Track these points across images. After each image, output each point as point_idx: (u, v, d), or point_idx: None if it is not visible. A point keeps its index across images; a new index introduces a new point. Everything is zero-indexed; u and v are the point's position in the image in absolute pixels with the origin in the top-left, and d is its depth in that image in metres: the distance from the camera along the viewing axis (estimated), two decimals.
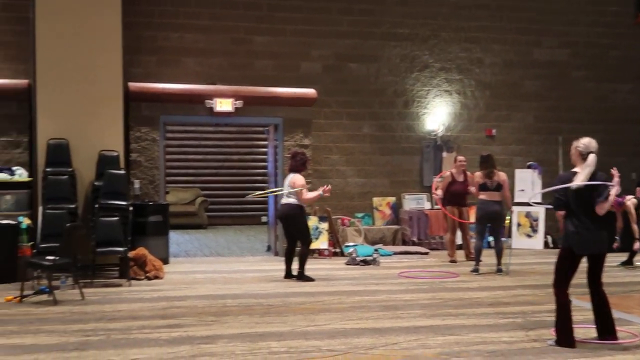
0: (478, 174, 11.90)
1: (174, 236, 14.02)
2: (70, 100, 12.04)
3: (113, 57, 12.27)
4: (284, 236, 11.65)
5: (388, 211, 15.14)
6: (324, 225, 13.81)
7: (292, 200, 11.01)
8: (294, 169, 11.22)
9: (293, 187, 11.03)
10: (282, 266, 11.39)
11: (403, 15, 15.35)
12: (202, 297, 9.67)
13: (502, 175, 11.83)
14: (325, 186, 11.34)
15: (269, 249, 14.79)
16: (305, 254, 11.09)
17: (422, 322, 8.10)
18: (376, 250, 13.52)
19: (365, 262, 12.77)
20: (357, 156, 15.11)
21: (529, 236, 15.09)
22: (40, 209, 11.63)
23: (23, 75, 13.06)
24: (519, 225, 15.14)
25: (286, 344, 7.14)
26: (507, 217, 12.02)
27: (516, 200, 14.64)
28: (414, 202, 15.12)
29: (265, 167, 19.75)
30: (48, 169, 11.73)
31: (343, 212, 14.74)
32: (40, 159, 11.96)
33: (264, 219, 19.89)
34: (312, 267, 11.92)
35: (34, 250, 11.01)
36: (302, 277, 10.96)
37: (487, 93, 15.91)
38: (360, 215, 14.92)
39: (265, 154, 19.53)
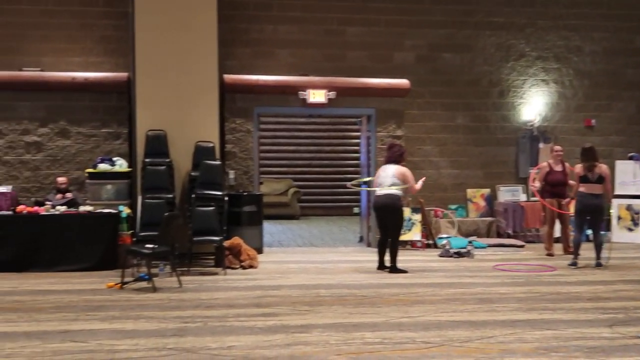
0: (579, 166, 11.58)
1: (267, 226, 14.18)
2: (168, 93, 12.30)
3: (209, 49, 12.47)
4: (377, 227, 11.60)
5: (482, 203, 14.89)
6: (417, 217, 13.70)
7: (394, 191, 10.93)
8: (392, 160, 11.15)
9: (401, 178, 10.95)
10: (375, 257, 11.37)
11: (498, 3, 15.04)
12: (296, 287, 9.74)
13: (603, 168, 11.47)
14: (422, 177, 11.30)
15: (361, 239, 14.79)
16: (397, 247, 11.02)
17: (519, 316, 7.95)
18: (470, 242, 13.33)
19: (459, 254, 12.61)
20: (450, 147, 14.92)
21: (630, 230, 14.58)
22: (139, 198, 11.95)
23: (123, 68, 13.43)
24: (619, 218, 14.65)
25: (380, 335, 7.12)
26: (611, 210, 11.64)
27: (616, 192, 14.17)
28: (509, 193, 14.82)
29: (357, 158, 19.77)
30: (147, 160, 12.03)
31: (436, 204, 14.58)
32: (139, 150, 12.27)
33: (355, 209, 19.94)
34: (405, 258, 11.86)
35: (134, 239, 11.31)
36: (394, 269, 10.90)
37: (586, 82, 15.43)
38: (453, 207, 14.73)
39: (357, 145, 19.54)
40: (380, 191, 11.02)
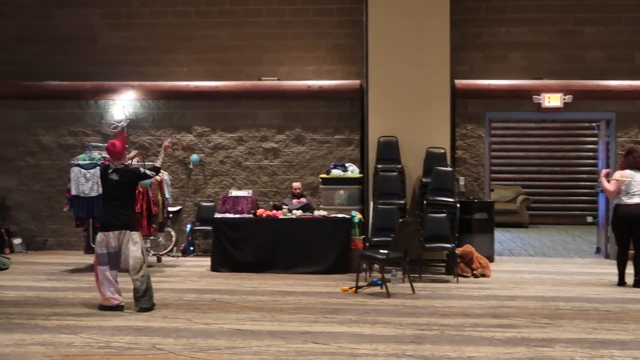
0: None
1: (496, 234, 13.81)
2: (400, 99, 12.37)
3: (441, 55, 12.40)
4: (616, 238, 10.82)
5: None
6: None
7: None
8: (631, 166, 10.44)
9: None
10: (614, 270, 10.67)
11: None
12: (532, 298, 9.40)
13: None
14: None
15: (598, 250, 14.01)
16: None
17: None
18: None
19: None
20: None
21: None
22: (370, 203, 12.10)
23: (354, 76, 13.70)
24: None
25: (630, 354, 6.71)
26: None
27: None
28: None
29: (591, 165, 18.85)
30: (378, 166, 12.16)
31: None
32: (371, 156, 12.45)
33: (589, 219, 18.99)
34: None
35: (366, 244, 11.46)
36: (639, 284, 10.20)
37: None
38: None
39: (592, 150, 18.62)
40: (629, 199, 10.28)
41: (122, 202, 8.67)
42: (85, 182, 11.32)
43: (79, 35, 14.21)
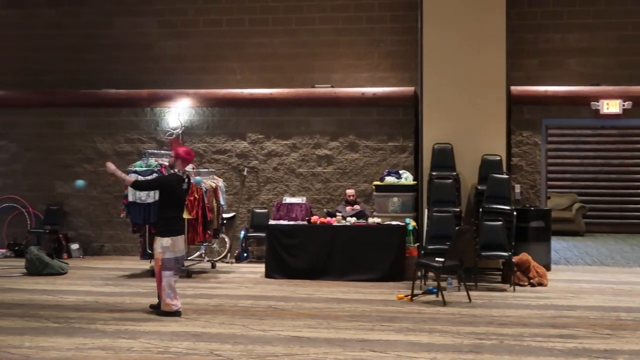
0: None
1: (552, 243, 13.61)
2: (454, 106, 12.28)
3: (497, 61, 12.27)
4: None
5: None
6: None
7: None
8: None
9: None
10: None
11: None
12: (592, 308, 9.23)
13: None
14: None
15: None
16: None
17: None
18: None
19: None
20: None
21: None
22: (425, 211, 12.02)
23: (408, 82, 13.64)
24: None
25: None
26: None
27: None
28: None
29: None
30: (433, 173, 12.07)
31: None
32: (425, 163, 12.36)
33: None
34: None
35: (421, 252, 11.37)
36: None
37: None
38: None
39: None
40: None
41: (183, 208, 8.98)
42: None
43: (135, 43, 14.42)
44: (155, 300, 8.98)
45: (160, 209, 8.95)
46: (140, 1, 14.48)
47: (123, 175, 9.07)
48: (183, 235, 9.06)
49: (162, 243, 8.70)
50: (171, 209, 8.84)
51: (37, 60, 14.66)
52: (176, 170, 8.92)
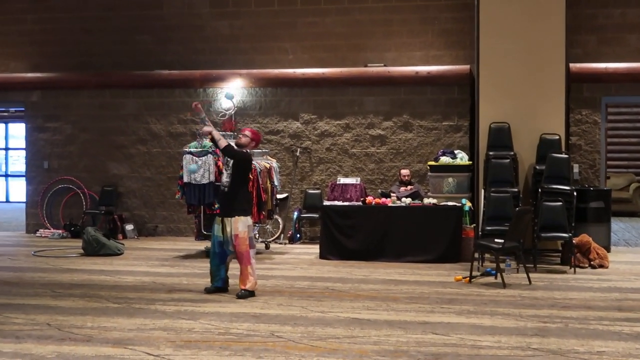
0: None
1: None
2: (512, 84, 12.02)
3: (555, 37, 11.96)
4: None
5: None
6: None
7: None
8: None
9: None
10: None
11: None
12: None
13: None
14: None
15: None
16: None
17: None
18: None
19: None
20: None
21: None
22: (481, 191, 11.82)
23: (462, 61, 13.42)
24: None
25: None
26: None
27: None
28: None
29: None
30: (490, 153, 11.85)
31: None
32: (481, 143, 12.14)
33: None
34: None
35: (479, 233, 11.20)
36: None
37: None
38: None
39: None
40: None
41: None
42: (197, 169, 11.45)
43: (188, 24, 14.41)
44: (208, 282, 8.95)
45: (240, 187, 8.66)
46: None
47: (219, 135, 8.83)
48: None
49: (247, 222, 8.60)
50: (247, 186, 8.90)
51: (89, 42, 14.77)
52: (247, 150, 8.88)
